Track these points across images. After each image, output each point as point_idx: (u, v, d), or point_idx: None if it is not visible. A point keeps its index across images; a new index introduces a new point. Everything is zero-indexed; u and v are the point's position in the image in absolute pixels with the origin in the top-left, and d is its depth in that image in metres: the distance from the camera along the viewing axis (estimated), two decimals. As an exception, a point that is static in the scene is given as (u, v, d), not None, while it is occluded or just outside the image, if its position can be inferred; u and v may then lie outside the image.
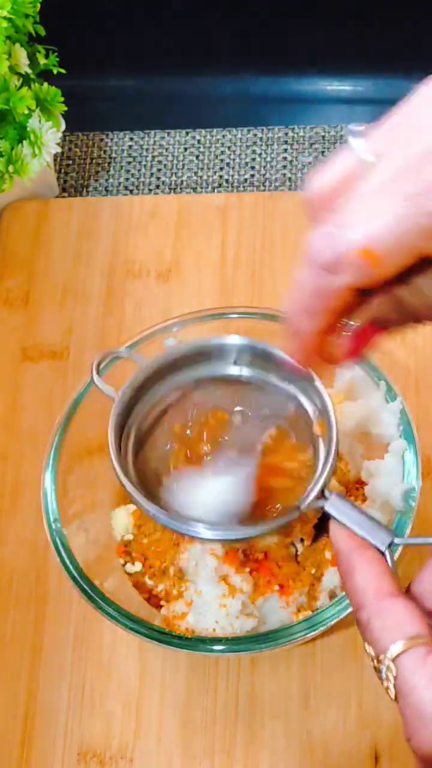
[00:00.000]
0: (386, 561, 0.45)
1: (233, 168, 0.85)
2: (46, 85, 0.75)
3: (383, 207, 0.40)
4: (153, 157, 0.86)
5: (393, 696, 0.41)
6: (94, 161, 0.86)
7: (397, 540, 0.46)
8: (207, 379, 0.54)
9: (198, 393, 0.54)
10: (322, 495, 0.48)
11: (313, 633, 0.58)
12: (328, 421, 0.51)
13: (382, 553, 0.45)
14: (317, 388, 0.51)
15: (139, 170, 0.85)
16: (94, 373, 0.54)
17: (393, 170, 0.40)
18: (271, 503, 0.52)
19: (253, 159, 0.85)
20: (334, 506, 0.47)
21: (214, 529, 0.49)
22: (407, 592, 0.44)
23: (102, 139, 0.87)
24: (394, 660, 0.41)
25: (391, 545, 0.46)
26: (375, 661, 0.42)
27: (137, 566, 0.63)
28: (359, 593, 0.43)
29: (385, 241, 0.40)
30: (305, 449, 0.52)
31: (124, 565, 0.63)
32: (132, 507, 0.64)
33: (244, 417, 0.54)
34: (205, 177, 0.85)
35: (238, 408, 0.54)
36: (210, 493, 0.52)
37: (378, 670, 0.42)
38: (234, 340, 0.54)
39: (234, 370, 0.54)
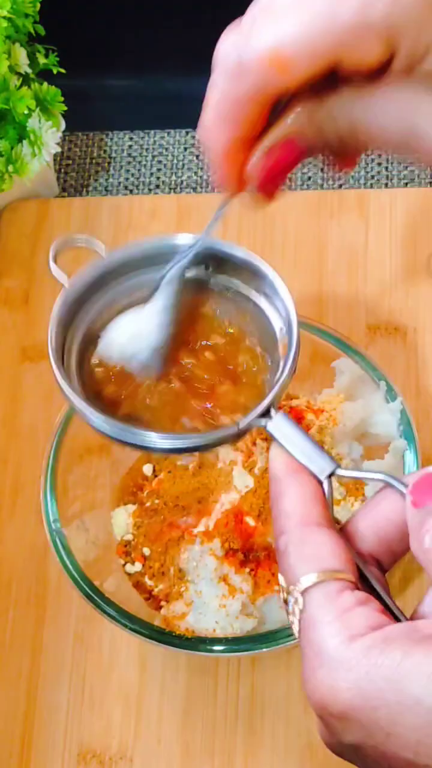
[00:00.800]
0: (323, 491, 0.42)
1: (233, 168, 0.85)
2: (45, 84, 0.75)
3: (293, 14, 0.39)
4: (153, 157, 0.86)
5: (296, 632, 0.38)
6: (93, 161, 0.86)
7: (339, 471, 0.43)
8: (171, 280, 0.50)
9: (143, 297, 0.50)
10: (267, 414, 0.44)
11: (313, 633, 0.58)
12: (289, 332, 0.46)
13: (320, 483, 0.42)
14: (283, 300, 0.47)
15: (139, 170, 0.85)
16: (51, 258, 0.50)
17: None
18: (220, 412, 0.48)
19: (253, 159, 0.85)
20: (277, 428, 0.44)
21: (162, 438, 0.45)
22: (341, 530, 0.41)
23: (102, 139, 0.87)
24: (303, 592, 0.38)
25: (331, 475, 0.43)
26: (284, 592, 0.39)
27: (137, 566, 0.63)
28: (283, 517, 0.40)
29: (293, 45, 0.39)
30: (257, 359, 0.48)
31: (124, 566, 0.63)
32: (132, 507, 0.64)
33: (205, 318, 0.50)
34: (205, 177, 0.85)
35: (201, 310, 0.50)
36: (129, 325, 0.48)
37: (286, 602, 0.39)
38: (205, 241, 0.50)
39: (202, 274, 0.50)
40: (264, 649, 0.58)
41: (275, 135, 0.43)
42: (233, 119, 0.42)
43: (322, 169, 0.83)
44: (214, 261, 0.50)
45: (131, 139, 0.87)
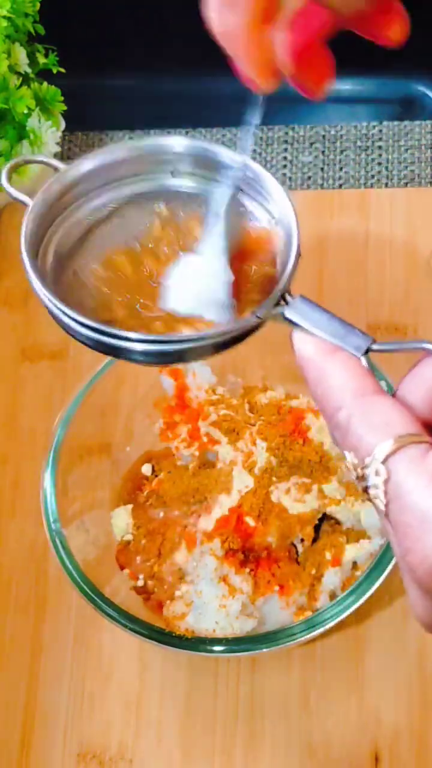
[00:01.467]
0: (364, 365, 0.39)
1: (233, 168, 0.85)
2: (45, 84, 0.75)
3: None
4: (153, 156, 0.86)
5: (383, 505, 0.35)
6: (94, 161, 0.86)
7: (375, 345, 0.40)
8: (144, 193, 0.46)
9: (133, 208, 0.46)
10: (283, 300, 0.41)
11: (313, 633, 0.58)
12: (287, 223, 0.43)
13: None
14: (271, 191, 0.44)
15: (139, 170, 0.85)
16: (4, 177, 0.46)
17: None
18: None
19: (253, 158, 0.85)
20: (298, 312, 0.40)
21: (186, 335, 0.41)
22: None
23: (102, 139, 0.87)
24: (384, 462, 0.35)
25: (368, 351, 0.40)
26: (358, 468, 0.36)
27: (137, 567, 0.63)
28: (337, 392, 0.37)
29: None
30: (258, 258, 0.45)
31: (123, 567, 0.63)
32: (131, 507, 0.64)
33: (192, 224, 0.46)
34: (205, 177, 0.85)
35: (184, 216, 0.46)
36: (184, 278, 0.43)
37: (363, 478, 0.36)
38: (175, 141, 0.46)
39: (176, 182, 0.46)
40: (264, 650, 0.58)
41: (292, 4, 0.38)
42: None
43: (322, 169, 0.83)
44: (196, 164, 0.46)
45: (131, 138, 0.87)
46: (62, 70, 0.75)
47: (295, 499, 0.61)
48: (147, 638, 0.58)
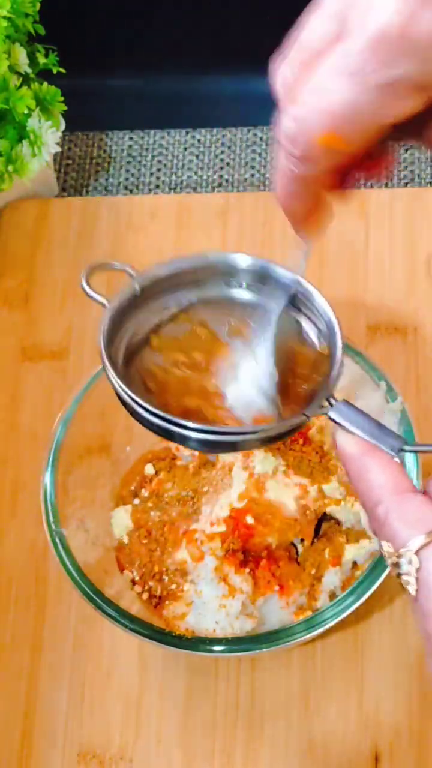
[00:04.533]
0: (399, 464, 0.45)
1: (233, 168, 0.85)
2: (45, 84, 0.75)
3: (334, 88, 0.40)
4: (153, 156, 0.86)
5: (413, 591, 0.40)
6: (93, 161, 0.86)
7: (407, 446, 0.45)
8: (206, 299, 0.53)
9: (196, 312, 0.53)
10: (328, 402, 0.47)
11: (313, 633, 0.58)
12: (332, 331, 0.50)
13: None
14: (318, 305, 0.51)
15: (139, 170, 0.85)
16: (84, 282, 0.52)
17: (340, 51, 0.40)
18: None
19: (253, 159, 0.85)
20: (340, 413, 0.46)
21: (242, 429, 0.48)
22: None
23: (102, 139, 0.87)
24: (417, 552, 0.40)
25: (401, 450, 0.45)
26: (393, 557, 0.41)
27: (137, 567, 0.63)
28: (376, 489, 0.43)
29: (344, 123, 0.40)
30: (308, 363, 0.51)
31: (123, 567, 0.63)
32: (131, 507, 0.64)
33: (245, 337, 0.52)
34: (205, 177, 0.85)
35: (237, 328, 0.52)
36: (235, 380, 0.50)
37: (397, 566, 0.41)
38: (236, 257, 0.52)
39: (236, 293, 0.53)
40: (264, 649, 0.58)
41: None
42: (304, 194, 0.45)
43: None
44: (254, 278, 0.53)
45: (131, 139, 0.87)
46: (62, 70, 0.75)
47: (294, 499, 0.61)
48: (147, 638, 0.58)
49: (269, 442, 0.49)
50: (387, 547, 0.42)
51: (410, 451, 0.46)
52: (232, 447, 0.49)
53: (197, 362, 0.51)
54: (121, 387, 0.48)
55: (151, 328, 0.52)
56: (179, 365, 0.51)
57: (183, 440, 0.47)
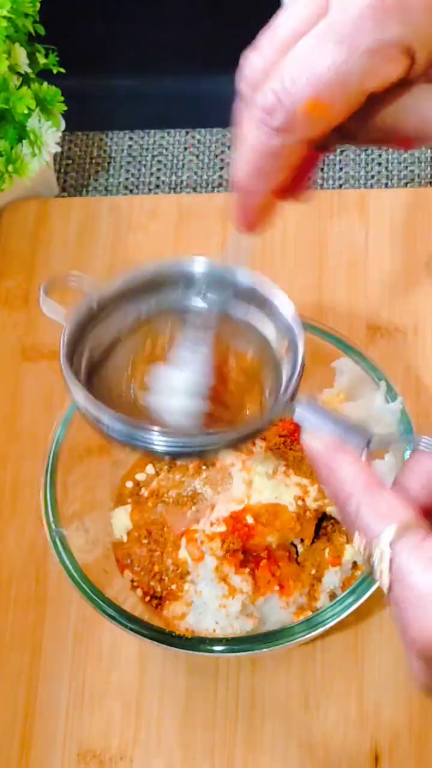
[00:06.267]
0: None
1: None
2: (45, 84, 0.75)
3: (320, 55, 0.40)
4: (153, 156, 0.86)
5: (386, 584, 0.40)
6: (93, 161, 0.86)
7: (374, 441, 0.46)
8: (163, 310, 0.53)
9: (154, 322, 0.53)
10: (291, 402, 0.47)
11: (313, 633, 0.58)
12: (289, 332, 0.50)
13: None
14: (276, 304, 0.50)
15: (139, 170, 0.85)
16: (42, 300, 0.52)
17: (324, 23, 0.41)
18: (235, 417, 0.50)
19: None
20: (304, 412, 0.47)
21: (199, 436, 0.48)
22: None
23: (102, 139, 0.87)
24: (388, 545, 0.40)
25: (368, 445, 0.46)
26: (366, 550, 0.41)
27: (137, 567, 0.63)
28: (347, 484, 0.43)
29: (330, 88, 0.40)
30: (261, 369, 0.51)
31: (123, 567, 0.63)
32: (131, 507, 0.64)
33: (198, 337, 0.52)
34: (205, 177, 0.85)
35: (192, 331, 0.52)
36: (170, 380, 0.50)
37: (369, 559, 0.41)
38: (190, 265, 0.52)
39: (192, 301, 0.52)
40: (264, 649, 0.58)
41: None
42: (274, 171, 0.44)
43: (321, 169, 0.83)
44: (211, 285, 0.52)
45: (131, 139, 0.87)
46: (62, 70, 0.75)
47: (294, 499, 0.61)
48: (147, 638, 0.58)
49: (234, 445, 0.49)
50: (359, 541, 0.42)
51: (377, 446, 0.46)
52: (198, 455, 0.51)
53: (139, 373, 0.52)
54: (87, 406, 0.48)
55: (109, 343, 0.52)
56: (126, 379, 0.51)
57: (149, 451, 0.48)
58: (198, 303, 0.52)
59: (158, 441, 0.47)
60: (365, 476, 0.43)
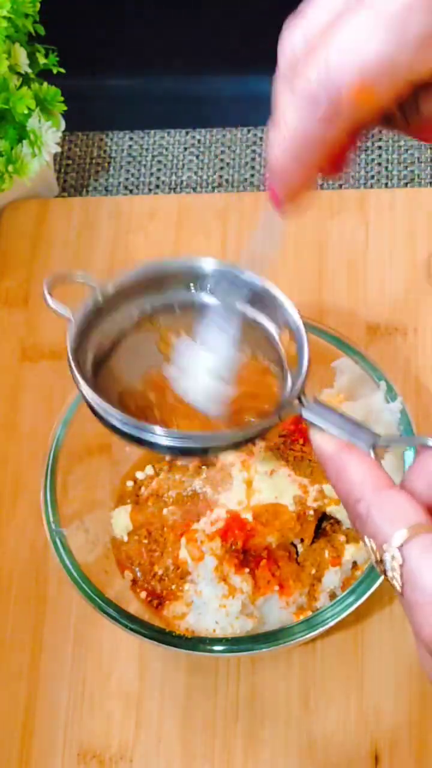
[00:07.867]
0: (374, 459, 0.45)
1: (233, 168, 0.85)
2: (45, 84, 0.75)
3: (368, 40, 0.39)
4: (153, 157, 0.86)
5: (399, 586, 0.40)
6: (93, 161, 0.86)
7: (381, 440, 0.46)
8: (169, 305, 0.53)
9: (160, 318, 0.53)
10: (299, 401, 0.48)
11: (313, 633, 0.58)
12: (297, 333, 0.50)
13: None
14: (281, 306, 0.51)
15: (139, 170, 0.85)
16: (46, 294, 0.52)
17: (371, 9, 0.39)
18: (242, 417, 0.50)
19: (253, 159, 0.85)
20: (312, 411, 0.47)
21: (209, 434, 0.48)
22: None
23: (102, 139, 0.87)
24: (399, 548, 0.40)
25: (375, 446, 0.45)
26: (377, 553, 0.41)
27: (137, 567, 0.63)
28: (357, 486, 0.43)
29: (378, 75, 0.39)
30: (269, 370, 0.52)
31: (123, 567, 0.63)
32: (131, 507, 0.64)
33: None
34: (205, 177, 0.85)
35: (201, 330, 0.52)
36: (196, 368, 0.50)
37: (381, 562, 0.41)
38: (197, 263, 0.52)
39: (198, 297, 0.53)
40: (264, 649, 0.58)
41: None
42: (314, 158, 0.42)
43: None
44: (216, 282, 0.53)
45: (131, 139, 0.87)
46: (62, 70, 0.75)
47: (294, 499, 0.61)
48: (147, 638, 0.58)
49: (240, 445, 0.49)
50: (370, 543, 0.42)
51: (384, 447, 0.46)
52: (203, 452, 0.50)
53: (157, 367, 0.51)
54: (93, 399, 0.48)
55: (116, 337, 0.52)
56: (141, 373, 0.51)
57: (150, 446, 0.48)
58: (207, 299, 0.53)
59: (163, 436, 0.47)
60: (374, 478, 0.43)
